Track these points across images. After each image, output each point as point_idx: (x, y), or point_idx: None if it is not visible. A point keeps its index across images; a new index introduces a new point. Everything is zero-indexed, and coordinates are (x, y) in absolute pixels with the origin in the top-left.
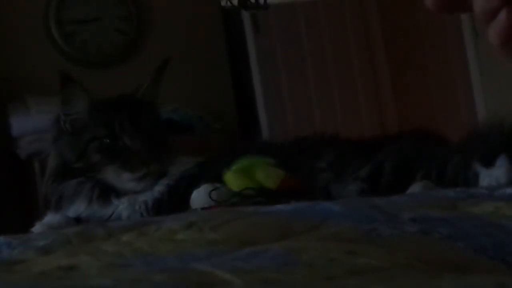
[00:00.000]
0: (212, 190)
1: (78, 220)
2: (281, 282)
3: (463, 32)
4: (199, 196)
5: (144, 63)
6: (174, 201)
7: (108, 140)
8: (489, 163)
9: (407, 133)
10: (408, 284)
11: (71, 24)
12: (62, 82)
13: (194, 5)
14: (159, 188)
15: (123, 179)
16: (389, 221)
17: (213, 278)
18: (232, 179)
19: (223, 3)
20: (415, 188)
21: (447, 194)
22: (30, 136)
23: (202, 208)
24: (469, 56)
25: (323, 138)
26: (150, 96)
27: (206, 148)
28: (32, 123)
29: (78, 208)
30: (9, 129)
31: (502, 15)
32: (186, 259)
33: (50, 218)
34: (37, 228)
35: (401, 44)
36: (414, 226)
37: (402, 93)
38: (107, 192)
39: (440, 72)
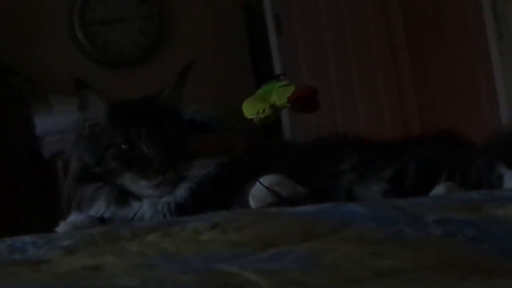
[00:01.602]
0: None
1: (102, 220)
2: (305, 284)
3: (487, 33)
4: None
5: (166, 64)
6: (197, 204)
7: (125, 147)
8: None
9: (431, 134)
10: (433, 287)
11: (94, 24)
12: (76, 87)
13: (216, 6)
14: (181, 192)
15: (140, 186)
16: (413, 223)
17: (238, 279)
18: (247, 107)
19: None
20: (439, 190)
21: (472, 196)
22: (53, 136)
23: None
24: (493, 57)
25: (345, 139)
26: (173, 100)
27: (228, 149)
28: (55, 123)
29: (97, 211)
30: (33, 129)
31: None
32: (211, 259)
33: (74, 217)
34: (61, 227)
35: (425, 45)
36: (438, 228)
37: (425, 94)
38: (126, 197)
39: (464, 73)
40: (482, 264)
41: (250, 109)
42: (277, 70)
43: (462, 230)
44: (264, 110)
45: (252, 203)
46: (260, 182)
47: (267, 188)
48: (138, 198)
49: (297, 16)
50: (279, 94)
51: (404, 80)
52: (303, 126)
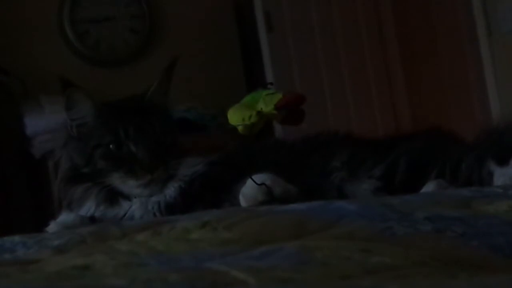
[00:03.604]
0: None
1: (92, 219)
2: (295, 281)
3: (477, 30)
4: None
5: (157, 62)
6: (187, 203)
7: (113, 146)
8: (503, 161)
9: (421, 131)
10: (423, 283)
11: (84, 23)
12: (63, 87)
13: (207, 4)
14: (171, 191)
15: (129, 185)
16: (403, 220)
17: (227, 278)
18: (232, 114)
19: None
20: (429, 187)
21: (462, 193)
22: (44, 135)
23: None
24: (483, 54)
25: (336, 136)
26: (159, 97)
27: (219, 147)
28: (46, 122)
29: (87, 211)
30: (24, 129)
31: None
32: (200, 258)
33: (65, 217)
34: (51, 227)
35: (415, 43)
36: (429, 224)
37: (416, 92)
38: (115, 197)
39: (454, 70)
40: (472, 260)
41: (236, 116)
42: (268, 68)
43: (451, 227)
44: (250, 117)
45: (242, 201)
46: (252, 179)
47: (259, 184)
48: (128, 197)
49: (288, 14)
50: (266, 101)
51: (395, 78)
52: None
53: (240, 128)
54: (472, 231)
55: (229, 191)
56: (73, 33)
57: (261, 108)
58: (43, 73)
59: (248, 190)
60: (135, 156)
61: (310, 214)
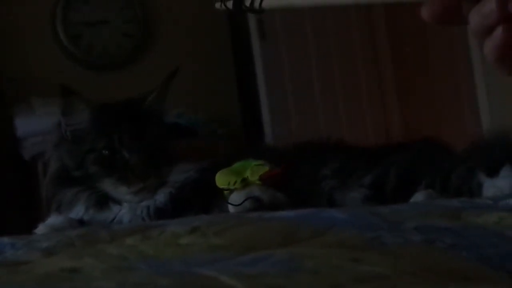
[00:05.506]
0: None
1: (81, 222)
2: None
3: (470, 42)
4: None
5: (150, 67)
6: (177, 209)
7: (106, 152)
8: (493, 173)
9: (412, 141)
10: None
11: (77, 26)
12: (63, 94)
13: (200, 10)
14: (161, 197)
15: (120, 192)
16: (393, 230)
17: (217, 283)
18: (219, 177)
19: (217, 6)
20: (418, 197)
21: (452, 204)
22: (34, 137)
23: None
24: (475, 66)
25: (327, 144)
26: (156, 105)
27: (211, 153)
28: (36, 124)
29: (76, 215)
30: (14, 130)
31: (498, 32)
32: (190, 263)
33: (53, 219)
34: (40, 229)
35: (407, 53)
36: (418, 235)
37: (408, 102)
38: (106, 201)
39: (446, 81)
40: (461, 271)
41: (222, 180)
42: (260, 75)
43: (441, 237)
44: (235, 183)
45: (231, 208)
46: (230, 204)
47: (239, 204)
48: (118, 202)
49: (281, 22)
50: (253, 171)
51: (387, 87)
52: (285, 130)
53: (225, 193)
54: (462, 242)
55: (219, 197)
56: (66, 36)
57: (247, 176)
58: (35, 75)
59: (237, 197)
60: (128, 163)
61: (300, 222)
